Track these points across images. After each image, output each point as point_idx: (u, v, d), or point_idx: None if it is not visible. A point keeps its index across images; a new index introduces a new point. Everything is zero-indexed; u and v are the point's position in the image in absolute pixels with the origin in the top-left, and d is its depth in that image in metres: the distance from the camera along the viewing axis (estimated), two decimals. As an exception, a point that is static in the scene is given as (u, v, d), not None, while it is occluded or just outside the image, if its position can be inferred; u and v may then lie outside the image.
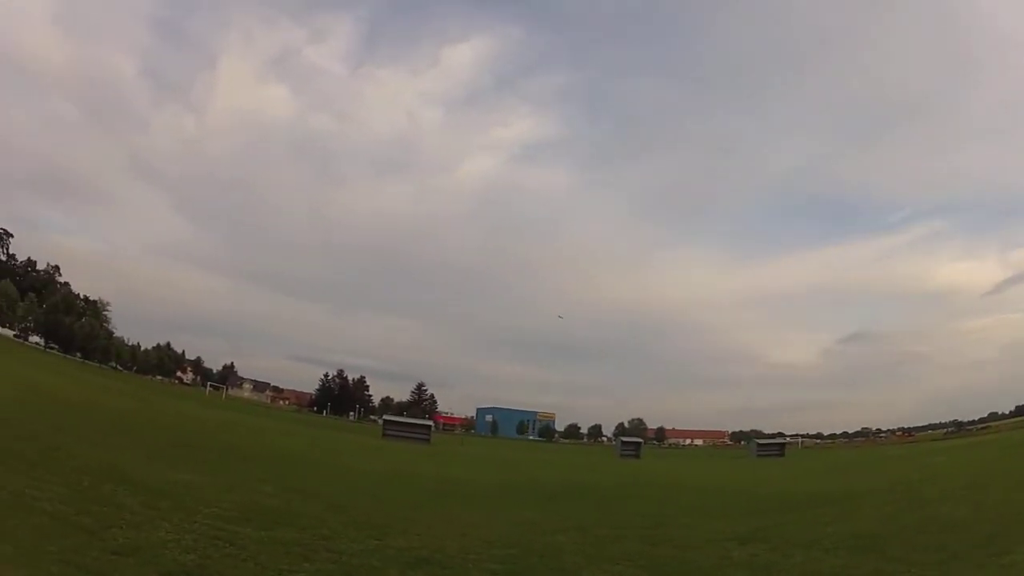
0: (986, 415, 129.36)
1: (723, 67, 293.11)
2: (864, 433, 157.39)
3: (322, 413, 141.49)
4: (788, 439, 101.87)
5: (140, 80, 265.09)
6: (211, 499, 12.18)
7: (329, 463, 27.26)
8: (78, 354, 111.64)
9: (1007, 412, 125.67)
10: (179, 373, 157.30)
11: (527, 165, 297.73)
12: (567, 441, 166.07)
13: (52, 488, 10.13)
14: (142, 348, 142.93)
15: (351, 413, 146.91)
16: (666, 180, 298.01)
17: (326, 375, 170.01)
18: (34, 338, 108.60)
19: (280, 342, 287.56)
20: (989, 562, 10.41)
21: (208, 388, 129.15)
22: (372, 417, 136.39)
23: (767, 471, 40.69)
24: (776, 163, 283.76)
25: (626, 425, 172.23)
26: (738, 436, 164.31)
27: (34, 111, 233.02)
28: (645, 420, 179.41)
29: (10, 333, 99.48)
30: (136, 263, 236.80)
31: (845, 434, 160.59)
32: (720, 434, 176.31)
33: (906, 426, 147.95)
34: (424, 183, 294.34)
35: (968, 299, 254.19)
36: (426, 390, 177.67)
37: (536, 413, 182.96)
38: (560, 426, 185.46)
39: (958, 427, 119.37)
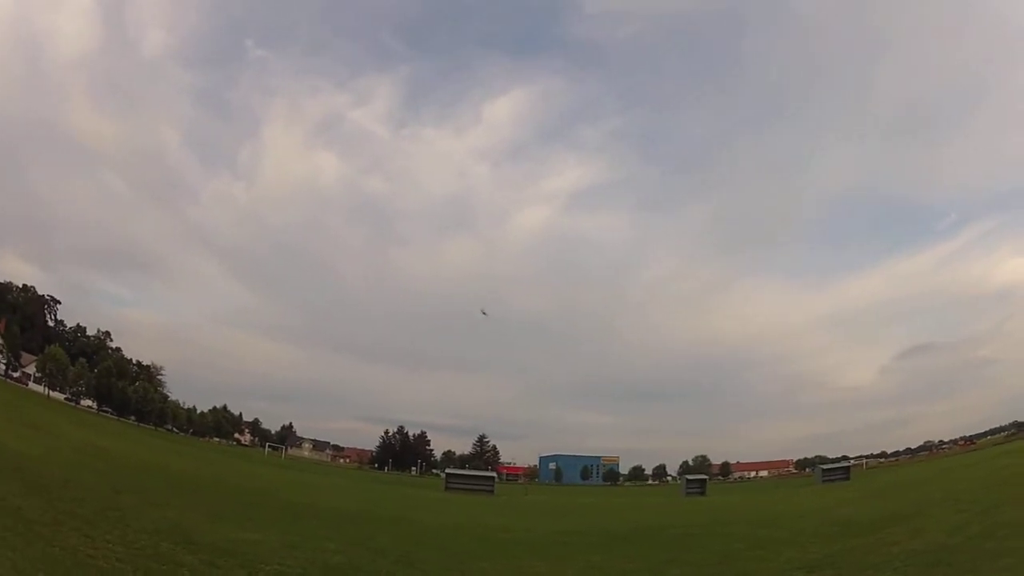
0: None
1: (765, 89, 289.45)
2: (927, 446, 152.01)
3: (383, 469, 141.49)
4: (852, 462, 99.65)
5: (184, 151, 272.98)
6: (273, 557, 12.04)
7: (393, 518, 26.72)
8: (132, 417, 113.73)
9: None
10: (236, 435, 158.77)
11: (582, 213, 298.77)
12: (632, 483, 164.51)
13: (109, 547, 10.01)
14: (198, 411, 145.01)
15: (413, 468, 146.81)
16: (723, 213, 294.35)
17: (386, 432, 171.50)
18: (86, 401, 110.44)
19: (340, 404, 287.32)
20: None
21: (267, 448, 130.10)
22: (434, 471, 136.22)
23: (833, 496, 39.47)
24: (827, 182, 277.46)
25: (690, 463, 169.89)
26: (803, 464, 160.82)
27: (84, 184, 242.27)
28: (709, 456, 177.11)
29: (61, 397, 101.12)
30: (193, 330, 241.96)
31: (908, 450, 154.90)
32: (785, 463, 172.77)
33: (967, 434, 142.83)
34: (480, 239, 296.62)
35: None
36: (488, 441, 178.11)
37: (600, 458, 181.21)
38: (624, 469, 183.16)
39: (1019, 428, 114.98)
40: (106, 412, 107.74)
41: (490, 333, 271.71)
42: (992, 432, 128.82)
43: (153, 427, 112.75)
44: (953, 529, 15.54)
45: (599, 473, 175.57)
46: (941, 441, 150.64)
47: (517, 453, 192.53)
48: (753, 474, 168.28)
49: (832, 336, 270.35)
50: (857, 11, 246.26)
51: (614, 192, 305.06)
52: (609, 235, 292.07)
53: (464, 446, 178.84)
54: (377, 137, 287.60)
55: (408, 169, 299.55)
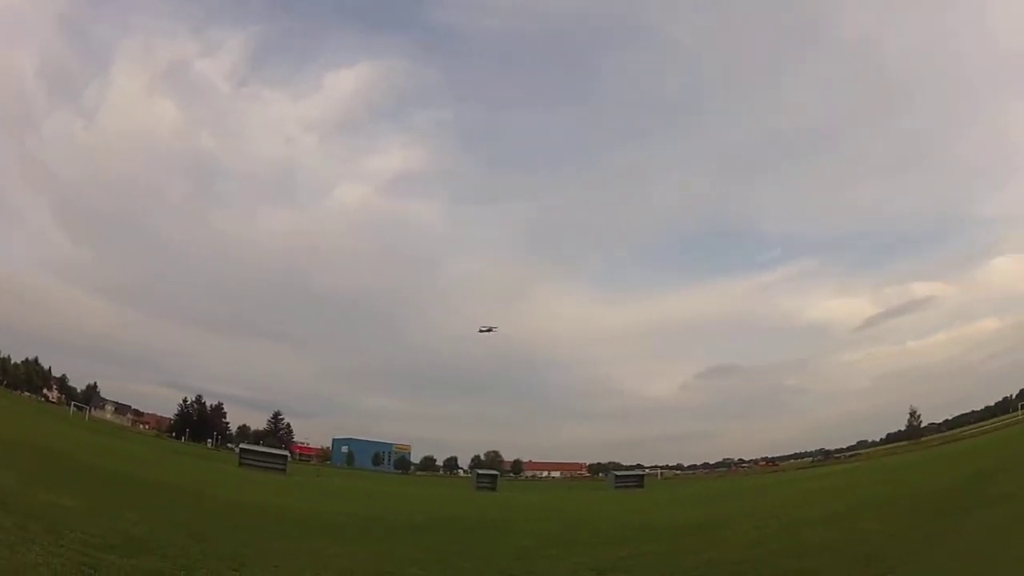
0: (855, 443, 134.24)
1: (612, 104, 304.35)
2: (726, 463, 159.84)
3: (180, 439, 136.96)
4: (647, 470, 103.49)
5: (39, 81, 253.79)
6: (78, 524, 12.08)
7: (189, 490, 26.79)
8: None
9: (877, 440, 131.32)
10: (45, 390, 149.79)
11: (401, 196, 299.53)
12: (423, 473, 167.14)
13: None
14: (12, 361, 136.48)
15: (208, 440, 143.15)
16: (547, 215, 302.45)
17: (185, 400, 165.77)
18: None
19: (144, 366, 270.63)
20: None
21: (72, 408, 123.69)
22: (229, 445, 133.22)
23: (627, 502, 41.26)
24: (660, 200, 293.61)
25: (482, 457, 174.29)
26: (596, 468, 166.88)
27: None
28: (502, 452, 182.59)
29: None
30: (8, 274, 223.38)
31: (706, 464, 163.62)
32: (578, 466, 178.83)
33: (770, 456, 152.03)
34: (300, 210, 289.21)
35: (842, 334, 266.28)
36: (283, 419, 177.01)
37: (392, 445, 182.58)
38: (416, 458, 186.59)
39: (825, 455, 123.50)
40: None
41: (296, 307, 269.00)
42: (797, 456, 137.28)
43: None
44: (751, 544, 16.03)
45: (391, 460, 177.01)
46: (741, 459, 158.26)
47: (311, 433, 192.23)
48: (545, 474, 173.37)
49: (638, 347, 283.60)
50: (727, 48, 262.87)
51: (436, 179, 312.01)
52: (427, 221, 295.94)
53: (260, 421, 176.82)
54: (218, 91, 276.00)
55: (241, 129, 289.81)
